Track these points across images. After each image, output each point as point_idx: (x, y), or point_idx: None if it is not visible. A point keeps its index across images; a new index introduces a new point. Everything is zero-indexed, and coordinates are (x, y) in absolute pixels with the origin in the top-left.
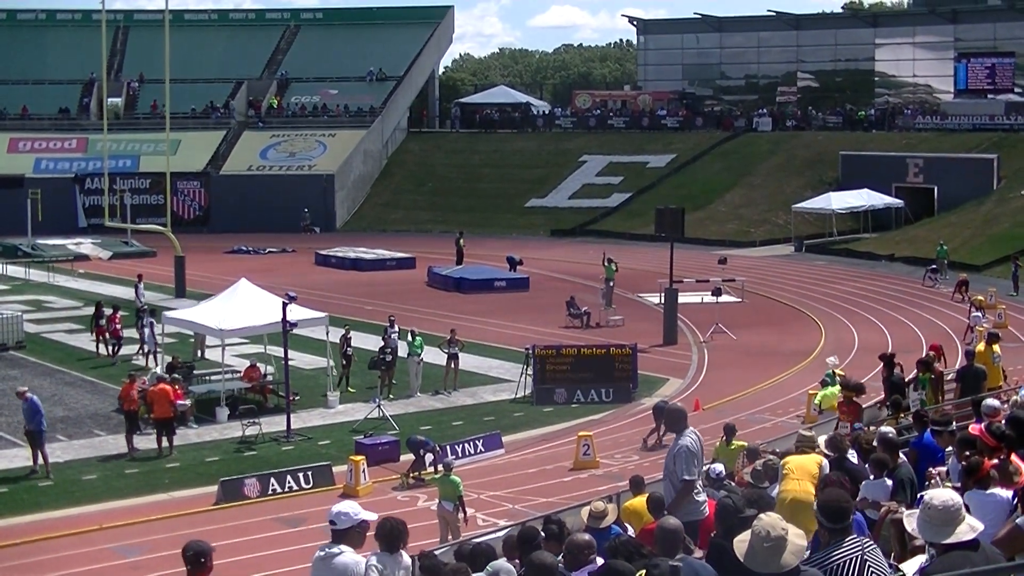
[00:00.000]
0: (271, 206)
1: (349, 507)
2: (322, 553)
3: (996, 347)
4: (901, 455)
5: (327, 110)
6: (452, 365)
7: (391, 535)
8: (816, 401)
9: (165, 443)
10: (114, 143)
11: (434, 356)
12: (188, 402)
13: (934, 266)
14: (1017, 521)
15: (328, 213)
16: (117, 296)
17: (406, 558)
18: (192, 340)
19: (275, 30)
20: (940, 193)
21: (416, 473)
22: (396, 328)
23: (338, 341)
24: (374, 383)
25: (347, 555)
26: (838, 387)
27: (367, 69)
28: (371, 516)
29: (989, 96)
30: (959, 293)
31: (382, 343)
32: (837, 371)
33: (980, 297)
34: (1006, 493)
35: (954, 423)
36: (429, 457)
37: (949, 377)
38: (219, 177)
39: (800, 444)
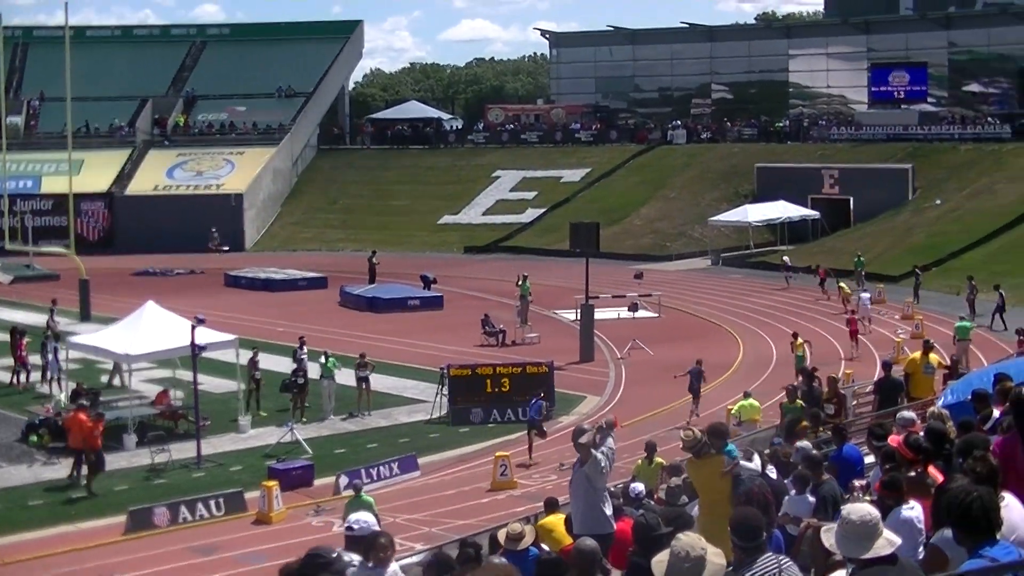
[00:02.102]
0: (179, 227)
1: (367, 516)
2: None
3: (933, 356)
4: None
5: (235, 128)
6: (364, 387)
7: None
8: (734, 412)
9: (85, 472)
10: (13, 163)
11: (348, 378)
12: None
13: (788, 267)
14: (933, 540)
15: (237, 233)
16: (25, 322)
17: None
18: (111, 368)
19: (181, 47)
20: (856, 204)
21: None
22: (306, 350)
23: (246, 364)
24: (287, 406)
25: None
26: (754, 400)
27: (275, 85)
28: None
29: (903, 106)
30: (822, 289)
31: (294, 365)
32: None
33: (843, 285)
34: (919, 507)
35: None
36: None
37: (867, 389)
38: (124, 198)
39: (689, 448)
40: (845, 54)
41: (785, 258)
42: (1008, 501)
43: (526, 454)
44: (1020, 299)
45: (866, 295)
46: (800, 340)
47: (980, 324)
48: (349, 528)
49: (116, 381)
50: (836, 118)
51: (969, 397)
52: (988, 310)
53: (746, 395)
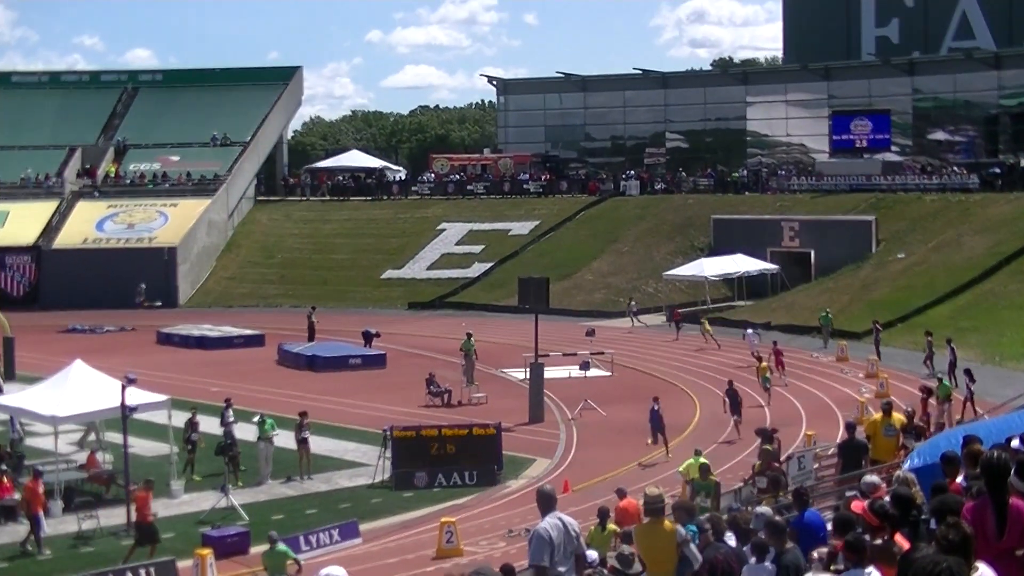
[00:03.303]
0: (109, 281)
1: (339, 571)
2: None
3: (896, 416)
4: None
5: (168, 178)
6: (303, 450)
7: None
8: (682, 470)
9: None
10: None
11: (286, 440)
12: (17, 496)
13: (634, 312)
14: None
15: (170, 288)
16: None
17: None
18: (83, 431)
19: (111, 93)
20: (817, 257)
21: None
22: (231, 412)
23: (183, 426)
24: (222, 470)
25: None
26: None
27: (210, 134)
28: None
29: (866, 155)
30: (676, 331)
31: (231, 426)
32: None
33: (704, 321)
34: (878, 574)
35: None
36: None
37: (830, 452)
38: (51, 251)
39: (648, 505)
40: (805, 101)
41: (632, 303)
42: (982, 571)
43: (472, 520)
44: (988, 356)
45: (751, 331)
46: (764, 363)
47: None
48: None
49: (91, 437)
50: (796, 167)
51: (938, 460)
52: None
53: (696, 453)
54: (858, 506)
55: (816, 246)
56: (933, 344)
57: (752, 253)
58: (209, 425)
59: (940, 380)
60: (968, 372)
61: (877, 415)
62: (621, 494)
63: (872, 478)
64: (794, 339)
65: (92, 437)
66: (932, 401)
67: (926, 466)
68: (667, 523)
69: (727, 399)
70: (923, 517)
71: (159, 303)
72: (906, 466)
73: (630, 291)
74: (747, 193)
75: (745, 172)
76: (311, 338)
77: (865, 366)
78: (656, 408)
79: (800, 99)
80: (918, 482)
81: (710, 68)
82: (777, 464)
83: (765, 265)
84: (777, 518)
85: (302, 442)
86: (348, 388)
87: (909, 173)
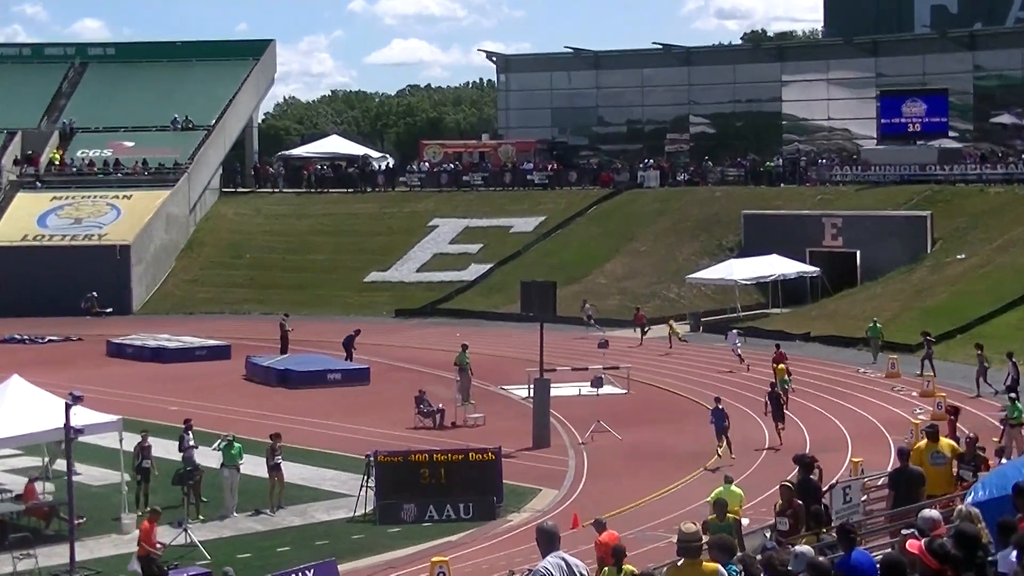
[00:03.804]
0: (53, 284)
1: None
2: None
3: (946, 443)
4: None
5: (121, 166)
6: (275, 478)
7: None
8: (710, 500)
9: None
10: None
11: (255, 467)
12: None
13: (590, 317)
14: None
15: (123, 292)
16: None
17: None
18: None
19: (56, 70)
20: (863, 258)
21: None
22: (191, 434)
23: (132, 450)
24: (180, 501)
25: None
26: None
27: (170, 116)
28: None
29: (919, 142)
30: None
31: (191, 452)
32: None
33: (672, 323)
34: None
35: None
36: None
37: (880, 482)
38: None
39: (683, 544)
40: (849, 80)
41: (588, 307)
42: None
43: (467, 559)
44: None
45: (733, 331)
46: (782, 365)
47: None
48: None
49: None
50: (839, 156)
51: (1008, 492)
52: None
53: (727, 481)
54: (914, 546)
55: (862, 246)
56: (985, 358)
57: (789, 254)
58: (167, 450)
59: (1013, 400)
60: None
61: (921, 442)
62: (600, 526)
63: (931, 513)
64: (837, 352)
65: (51, 463)
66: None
67: (992, 499)
68: (707, 565)
69: (768, 402)
70: (990, 559)
71: (110, 309)
72: (969, 499)
73: (649, 296)
74: (783, 185)
75: (780, 161)
76: (284, 350)
77: (919, 383)
78: (720, 407)
79: (844, 78)
80: (983, 518)
81: (740, 43)
82: (800, 501)
83: (803, 267)
84: (820, 559)
85: (274, 468)
86: (326, 407)
87: (969, 162)
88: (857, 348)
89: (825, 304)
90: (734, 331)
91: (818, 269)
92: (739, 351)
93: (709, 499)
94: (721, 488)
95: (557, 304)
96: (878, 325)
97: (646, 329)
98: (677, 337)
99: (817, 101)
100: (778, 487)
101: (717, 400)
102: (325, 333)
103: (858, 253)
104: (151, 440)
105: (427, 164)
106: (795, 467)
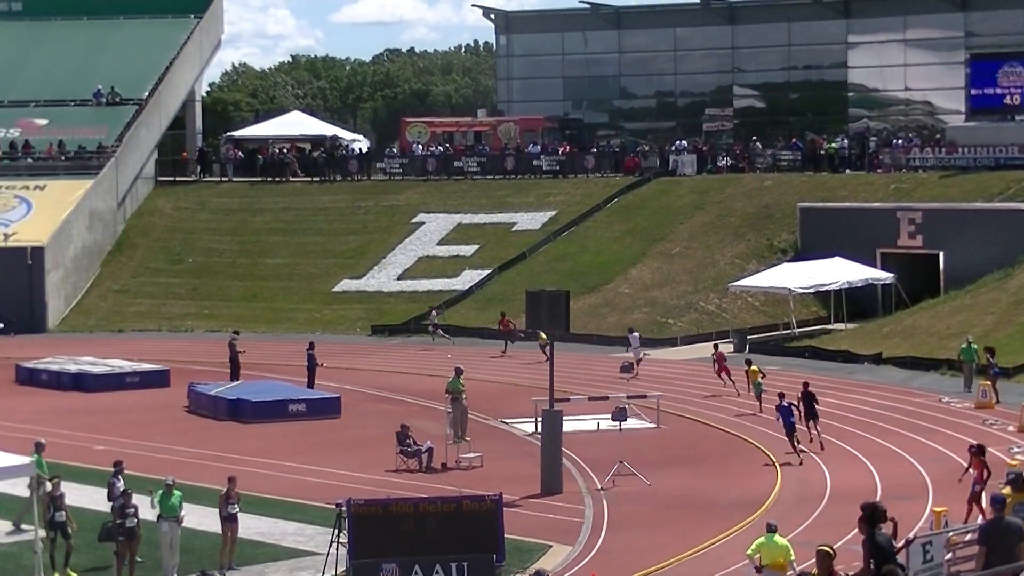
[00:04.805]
0: None
1: None
2: None
3: None
4: None
5: (32, 149)
6: (228, 532)
7: None
8: (750, 552)
9: None
10: None
11: (201, 517)
12: None
13: (435, 326)
14: None
15: (35, 305)
16: None
17: None
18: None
19: None
20: (948, 261)
21: None
22: (121, 481)
23: (41, 499)
24: (109, 562)
25: None
26: (780, 537)
27: (93, 87)
28: None
29: (1019, 117)
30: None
31: (119, 501)
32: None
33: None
34: None
35: None
36: None
37: (968, 536)
38: None
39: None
40: (931, 41)
41: (433, 313)
42: None
43: None
44: None
45: (636, 335)
46: (755, 367)
47: None
48: None
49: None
50: (918, 135)
51: None
52: None
53: (770, 529)
54: None
55: (947, 246)
56: None
57: (855, 257)
58: (91, 499)
59: None
60: None
61: (1005, 489)
62: None
63: None
64: (915, 377)
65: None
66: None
67: None
68: None
69: (802, 403)
70: None
71: (14, 325)
72: None
73: (683, 309)
74: (848, 172)
75: (846, 142)
76: (235, 375)
77: (1018, 415)
78: (787, 404)
79: (925, 38)
80: None
81: None
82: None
83: (874, 273)
84: None
85: (228, 520)
86: (287, 445)
87: None
88: (940, 371)
89: (900, 318)
90: (636, 333)
91: (892, 275)
92: (640, 357)
93: (749, 551)
94: (762, 539)
95: (570, 319)
96: (973, 346)
97: (514, 339)
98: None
99: (891, 67)
100: (816, 552)
101: (781, 396)
102: (285, 354)
103: (941, 255)
104: (65, 487)
105: (416, 147)
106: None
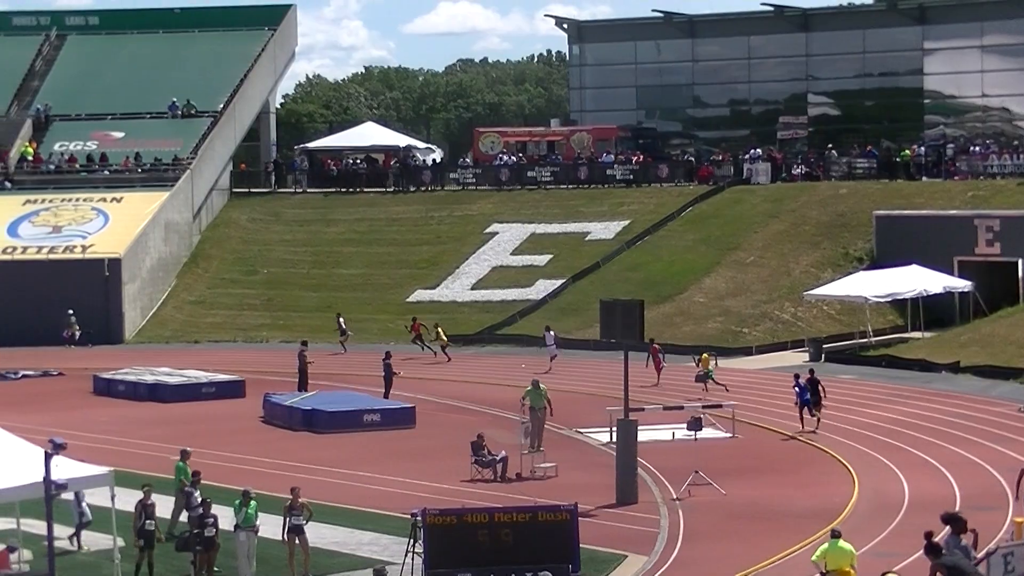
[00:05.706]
0: (27, 307)
1: None
2: None
3: None
4: None
5: (109, 162)
6: (296, 541)
7: None
8: (815, 559)
9: None
10: None
11: (275, 529)
12: None
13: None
14: None
15: (112, 316)
16: None
17: None
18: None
19: (28, 43)
20: None
21: None
22: (198, 490)
23: (133, 509)
24: (186, 571)
25: None
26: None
27: (168, 101)
28: None
29: None
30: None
31: (198, 511)
32: None
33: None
34: None
35: None
36: None
37: None
38: None
39: None
40: (1010, 47)
41: (340, 319)
42: None
43: None
44: None
45: (552, 333)
46: (706, 355)
47: None
48: None
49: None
50: (996, 142)
51: None
52: None
53: (834, 535)
54: None
55: None
56: None
57: (932, 265)
58: (168, 509)
59: None
60: None
61: None
62: None
63: None
64: (994, 386)
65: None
66: None
67: None
68: None
69: (808, 389)
70: None
71: (91, 336)
72: None
73: (758, 318)
74: (925, 179)
75: (923, 149)
76: (302, 386)
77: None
78: (803, 384)
79: (1001, 43)
80: None
81: (872, 2)
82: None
83: (952, 281)
84: None
85: (294, 532)
86: (362, 455)
87: None
88: (1019, 380)
89: (978, 327)
90: (552, 332)
91: (970, 283)
92: (554, 355)
93: (814, 558)
94: (826, 545)
95: (644, 328)
96: None
97: (424, 344)
98: (442, 347)
99: (968, 74)
100: (931, 566)
101: (796, 377)
102: (358, 365)
103: (1020, 263)
104: (153, 498)
105: (484, 157)
106: (942, 528)
